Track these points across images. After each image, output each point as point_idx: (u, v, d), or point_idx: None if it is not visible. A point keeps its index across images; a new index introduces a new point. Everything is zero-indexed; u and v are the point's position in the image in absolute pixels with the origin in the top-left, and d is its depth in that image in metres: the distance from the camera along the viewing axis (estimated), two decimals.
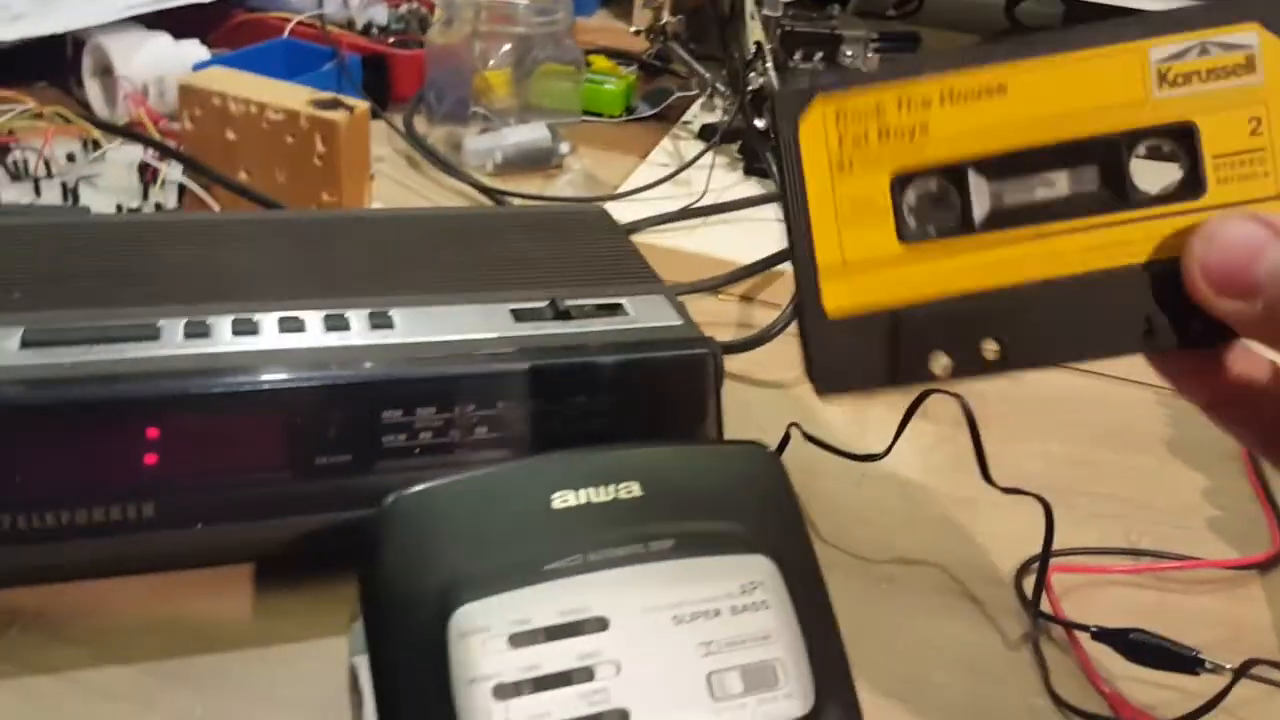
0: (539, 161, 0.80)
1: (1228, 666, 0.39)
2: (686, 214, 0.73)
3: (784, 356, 0.57)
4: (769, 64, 0.81)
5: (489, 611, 0.30)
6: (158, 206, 0.65)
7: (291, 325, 0.40)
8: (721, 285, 0.65)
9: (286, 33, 0.86)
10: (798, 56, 0.99)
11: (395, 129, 0.80)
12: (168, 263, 0.44)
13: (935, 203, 0.25)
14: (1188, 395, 0.28)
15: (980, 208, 0.25)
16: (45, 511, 0.36)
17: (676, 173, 0.78)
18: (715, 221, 0.74)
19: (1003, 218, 0.25)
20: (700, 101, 0.93)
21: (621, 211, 0.71)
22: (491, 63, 0.82)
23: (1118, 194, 0.25)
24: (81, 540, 0.36)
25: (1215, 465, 0.54)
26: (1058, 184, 0.25)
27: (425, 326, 0.42)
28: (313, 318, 0.41)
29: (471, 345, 0.41)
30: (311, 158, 0.60)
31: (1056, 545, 0.45)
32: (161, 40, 0.80)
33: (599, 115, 0.90)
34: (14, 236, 0.45)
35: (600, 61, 0.93)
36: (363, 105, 0.61)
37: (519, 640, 0.30)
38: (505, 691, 0.29)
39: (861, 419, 0.53)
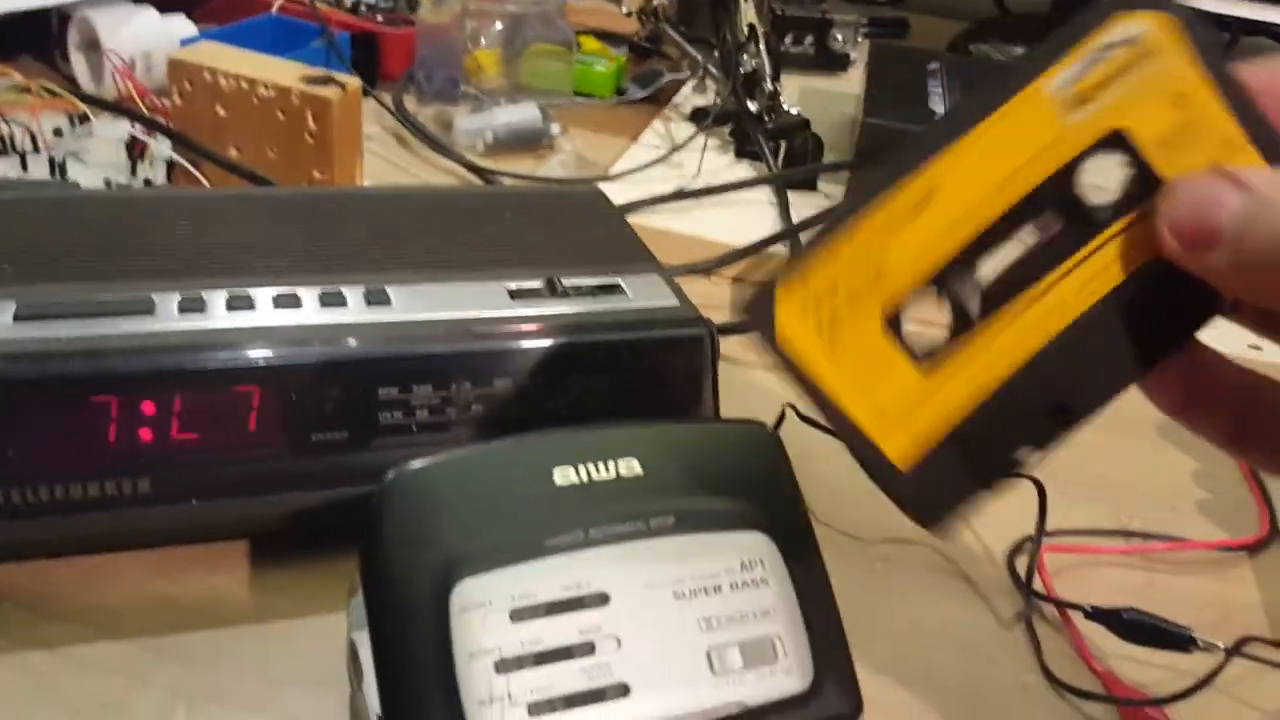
0: (529, 142, 0.80)
1: (1220, 645, 0.39)
2: (679, 196, 0.73)
3: None
4: (761, 47, 0.81)
5: (490, 586, 0.30)
6: (146, 182, 0.64)
7: (287, 301, 0.40)
8: (714, 267, 0.65)
9: (274, 9, 0.85)
10: (789, 40, 0.99)
11: (385, 107, 0.80)
12: (161, 238, 0.44)
13: (926, 318, 0.26)
14: (1155, 401, 0.28)
15: (971, 300, 0.26)
16: (40, 486, 0.35)
17: (668, 154, 0.78)
18: (707, 204, 0.74)
19: (996, 297, 0.26)
20: (691, 84, 0.93)
21: (613, 193, 0.71)
22: (482, 41, 0.81)
23: (1084, 224, 0.25)
24: (76, 515, 0.36)
25: (1205, 449, 0.54)
26: (1027, 240, 0.25)
27: (422, 304, 0.41)
28: (309, 294, 0.41)
29: (469, 323, 0.41)
30: (303, 135, 0.59)
31: (1049, 526, 0.45)
32: (148, 14, 0.79)
33: (590, 96, 0.89)
34: (3, 210, 0.45)
35: (591, 43, 0.92)
36: (355, 82, 0.60)
37: (520, 615, 0.30)
38: (507, 665, 0.29)
39: None
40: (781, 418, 0.47)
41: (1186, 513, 0.51)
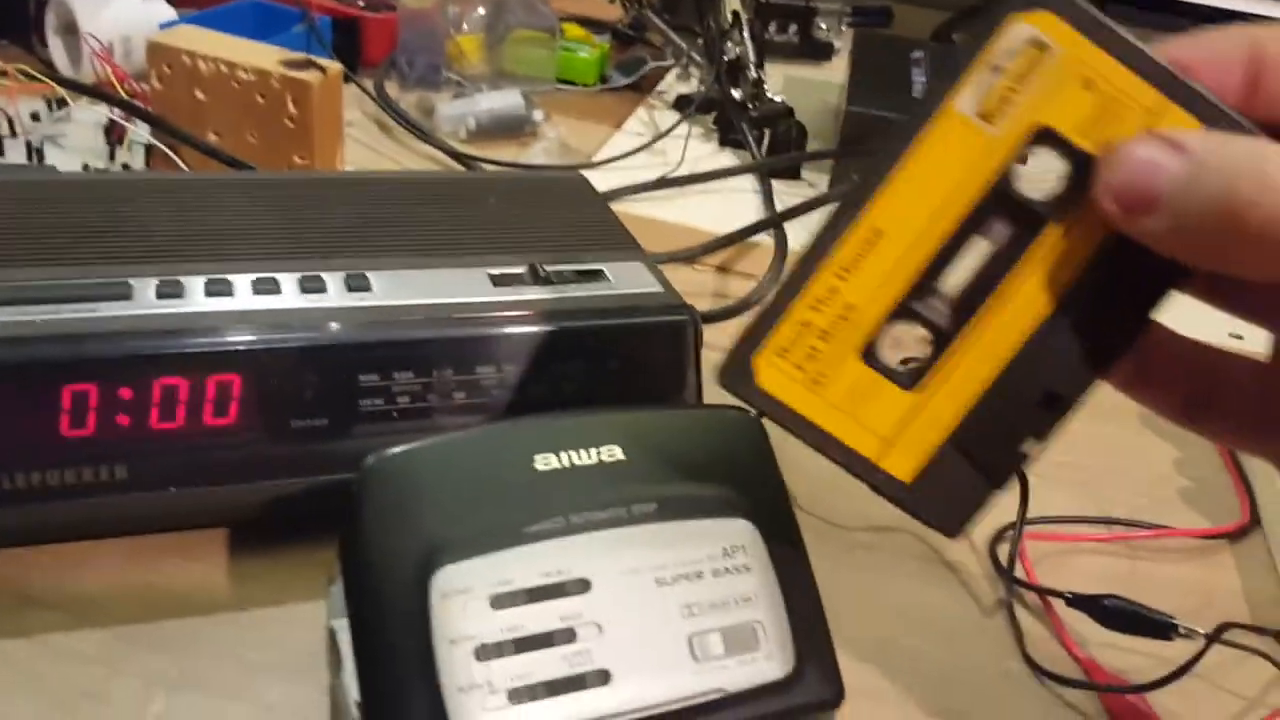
0: (512, 129, 0.79)
1: (1201, 631, 0.40)
2: (663, 184, 0.72)
3: None
4: (745, 35, 0.81)
5: (471, 573, 0.30)
6: (125, 167, 0.64)
7: (266, 286, 0.40)
8: (698, 256, 0.65)
9: None
10: (773, 28, 0.99)
11: (366, 93, 0.79)
12: (139, 223, 0.44)
13: (908, 342, 0.26)
14: (1108, 378, 0.29)
15: (943, 316, 0.26)
16: (16, 473, 0.35)
17: (652, 142, 0.78)
18: (691, 192, 0.73)
19: (967, 307, 0.26)
20: (675, 72, 0.93)
21: (596, 181, 0.70)
22: (465, 27, 0.81)
23: (1033, 222, 0.25)
24: (53, 502, 0.36)
25: (1186, 436, 0.54)
26: (984, 249, 0.26)
27: (403, 289, 0.41)
28: (288, 279, 0.40)
29: (450, 309, 0.41)
30: (283, 119, 0.59)
31: (1030, 514, 0.45)
32: None
33: (573, 84, 0.89)
34: None
35: (574, 29, 0.92)
36: (335, 66, 0.60)
37: (501, 602, 0.30)
38: (487, 652, 0.29)
39: None
40: None
41: (1168, 501, 0.51)
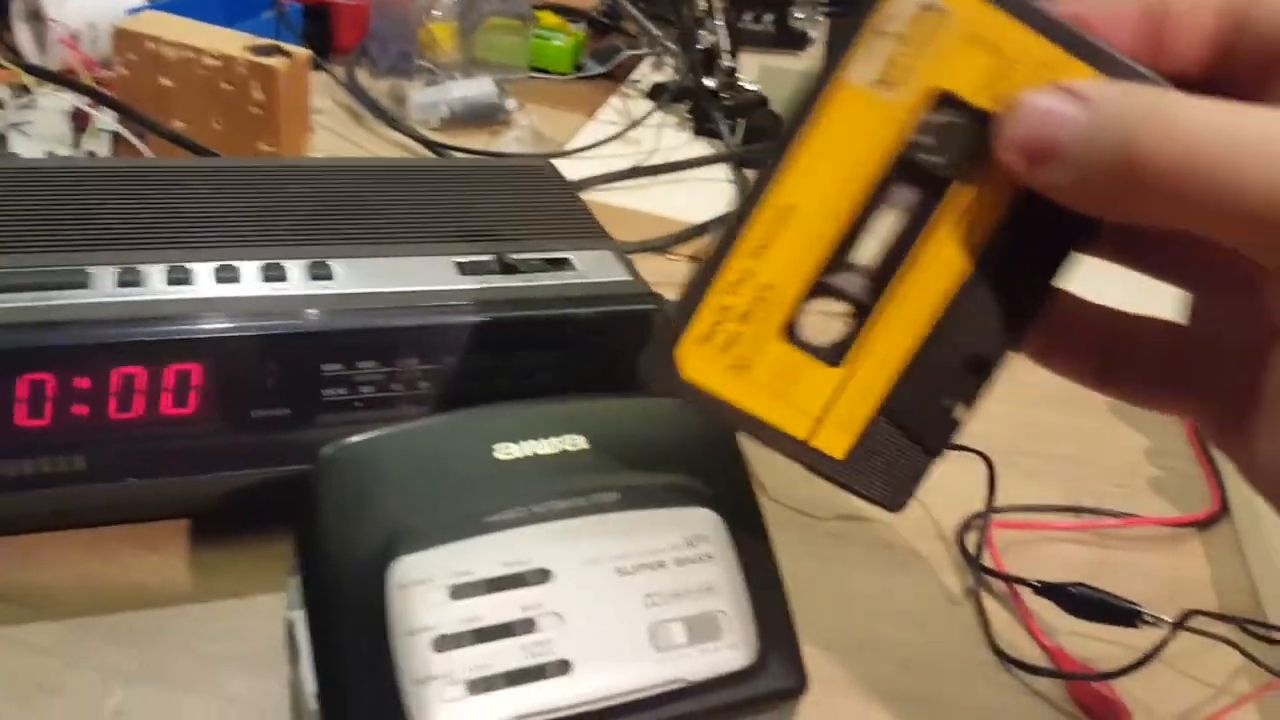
0: (485, 117, 0.79)
1: (1166, 619, 0.40)
2: (635, 173, 0.72)
3: None
4: (718, 23, 0.80)
5: (429, 563, 0.29)
6: (90, 154, 0.63)
7: (227, 275, 0.39)
8: (670, 245, 0.65)
9: None
10: (749, 17, 0.99)
11: (337, 80, 0.78)
12: (100, 210, 0.43)
13: (829, 318, 0.26)
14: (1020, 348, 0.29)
15: (860, 288, 0.26)
16: None
17: (625, 131, 0.78)
18: (664, 181, 0.73)
19: (882, 277, 0.26)
20: (650, 60, 0.92)
21: (569, 169, 0.70)
22: (437, 14, 0.80)
23: (939, 187, 0.25)
24: (8, 494, 0.35)
25: (1156, 425, 0.55)
26: (894, 216, 0.25)
27: (366, 278, 0.41)
28: (249, 267, 0.40)
29: (414, 297, 0.40)
30: (249, 106, 0.58)
31: (999, 503, 0.45)
32: None
33: (547, 72, 0.89)
34: None
35: (548, 17, 0.91)
36: (302, 52, 0.59)
37: (460, 592, 0.29)
38: (445, 643, 0.28)
39: None
40: None
41: (1137, 489, 0.51)
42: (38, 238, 0.40)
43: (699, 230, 0.65)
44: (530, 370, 0.41)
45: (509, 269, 0.43)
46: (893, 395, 0.26)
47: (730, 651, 0.31)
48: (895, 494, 0.27)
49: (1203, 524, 0.50)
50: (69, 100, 0.65)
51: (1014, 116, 0.23)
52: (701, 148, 0.79)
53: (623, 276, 0.45)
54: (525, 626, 0.29)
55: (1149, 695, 0.40)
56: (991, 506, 0.45)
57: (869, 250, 0.26)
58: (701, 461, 0.34)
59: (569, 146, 0.76)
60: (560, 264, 0.44)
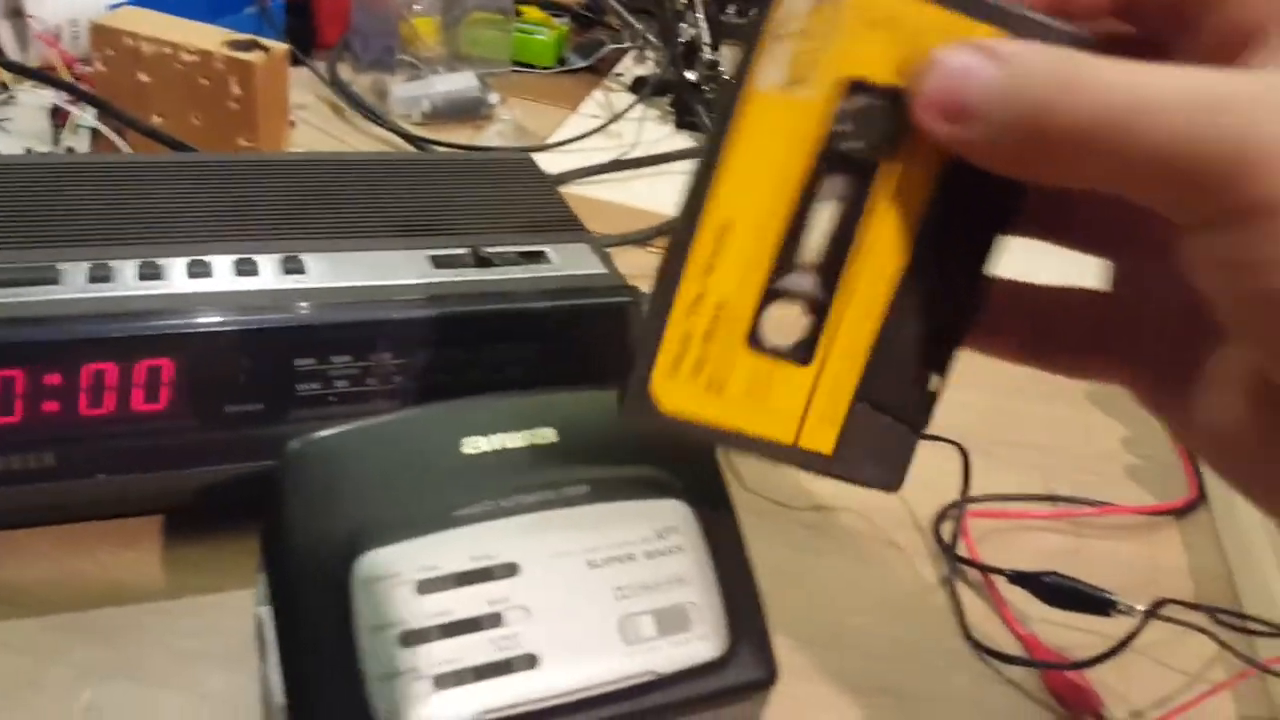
0: (468, 112, 0.79)
1: (1139, 608, 0.40)
2: (616, 166, 0.72)
3: None
4: (700, 16, 0.80)
5: (396, 558, 0.29)
6: (69, 151, 0.63)
7: (199, 270, 0.39)
8: (651, 238, 0.65)
9: None
10: (732, 10, 0.98)
11: (319, 76, 0.78)
12: (73, 206, 0.43)
13: (790, 320, 0.26)
14: None
15: (813, 286, 0.26)
16: None
17: (607, 124, 0.78)
18: (646, 174, 0.73)
19: (832, 267, 0.26)
20: (632, 54, 0.92)
21: (552, 163, 0.70)
22: (419, 9, 0.80)
23: (867, 173, 0.25)
24: None
25: (1134, 413, 0.55)
26: (830, 210, 0.25)
27: (339, 272, 0.41)
28: (221, 262, 0.40)
29: (386, 291, 0.40)
30: (227, 101, 0.58)
31: (975, 492, 0.45)
32: None
33: (530, 66, 0.88)
34: None
35: (532, 11, 0.91)
36: (280, 47, 0.59)
37: (427, 587, 0.29)
38: (412, 638, 0.28)
39: None
40: None
41: (1114, 477, 0.52)
42: (10, 234, 0.40)
43: None
44: (504, 364, 0.41)
45: (483, 262, 0.43)
46: (866, 380, 0.26)
47: (700, 643, 0.31)
48: (889, 475, 0.27)
49: (1180, 512, 0.50)
50: (49, 97, 0.65)
51: (929, 74, 0.23)
52: (683, 140, 0.79)
53: (598, 270, 0.45)
54: (493, 621, 0.29)
55: (1124, 684, 0.40)
56: (967, 496, 0.45)
57: (814, 246, 0.26)
58: (672, 453, 0.34)
59: (551, 140, 0.76)
60: (535, 257, 0.44)
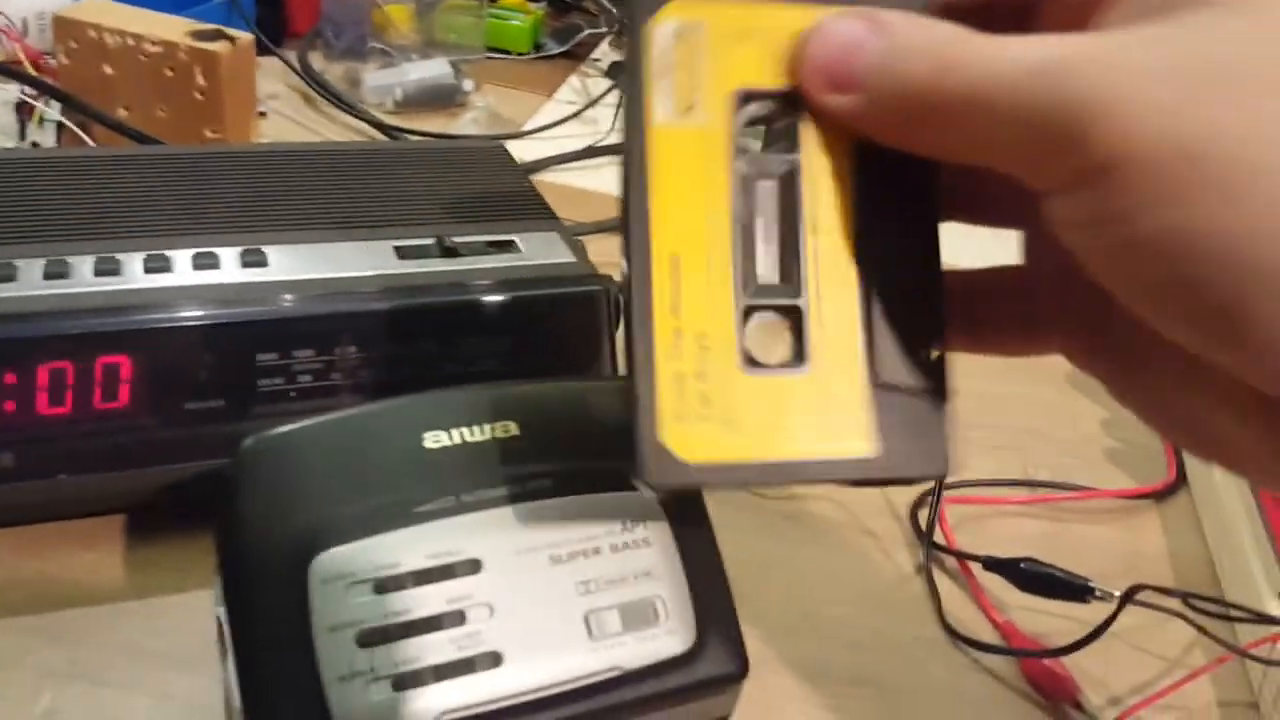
0: (442, 99, 0.78)
1: (1116, 594, 0.39)
2: (591, 153, 0.71)
3: None
4: None
5: (354, 557, 0.29)
6: (35, 146, 0.62)
7: (158, 264, 0.38)
8: None
9: None
10: None
11: (290, 65, 0.77)
12: (31, 202, 0.42)
13: (773, 332, 0.25)
14: None
15: (782, 293, 0.26)
16: None
17: (582, 110, 0.77)
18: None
19: (793, 273, 0.25)
20: (609, 39, 0.91)
21: (526, 150, 0.69)
22: None
23: (789, 174, 0.25)
24: None
25: None
26: (767, 217, 0.25)
27: (301, 264, 0.40)
28: (181, 256, 0.39)
29: (349, 283, 0.39)
30: (192, 92, 0.57)
31: (952, 478, 0.45)
32: None
33: (505, 52, 0.87)
34: None
35: None
36: (246, 36, 0.58)
37: (385, 586, 0.29)
38: (370, 638, 0.28)
39: None
40: None
41: (1094, 461, 0.51)
42: None
43: None
44: (471, 355, 0.41)
45: (449, 252, 0.42)
46: (871, 367, 0.26)
47: (667, 638, 0.31)
48: (935, 456, 0.26)
49: (1160, 495, 0.49)
50: (14, 91, 0.64)
51: (815, 41, 0.23)
52: None
53: (567, 259, 0.44)
54: (454, 619, 0.29)
55: (1102, 670, 0.40)
56: (942, 482, 0.44)
57: (768, 256, 0.25)
58: None
59: (526, 127, 0.75)
60: (503, 246, 0.44)
